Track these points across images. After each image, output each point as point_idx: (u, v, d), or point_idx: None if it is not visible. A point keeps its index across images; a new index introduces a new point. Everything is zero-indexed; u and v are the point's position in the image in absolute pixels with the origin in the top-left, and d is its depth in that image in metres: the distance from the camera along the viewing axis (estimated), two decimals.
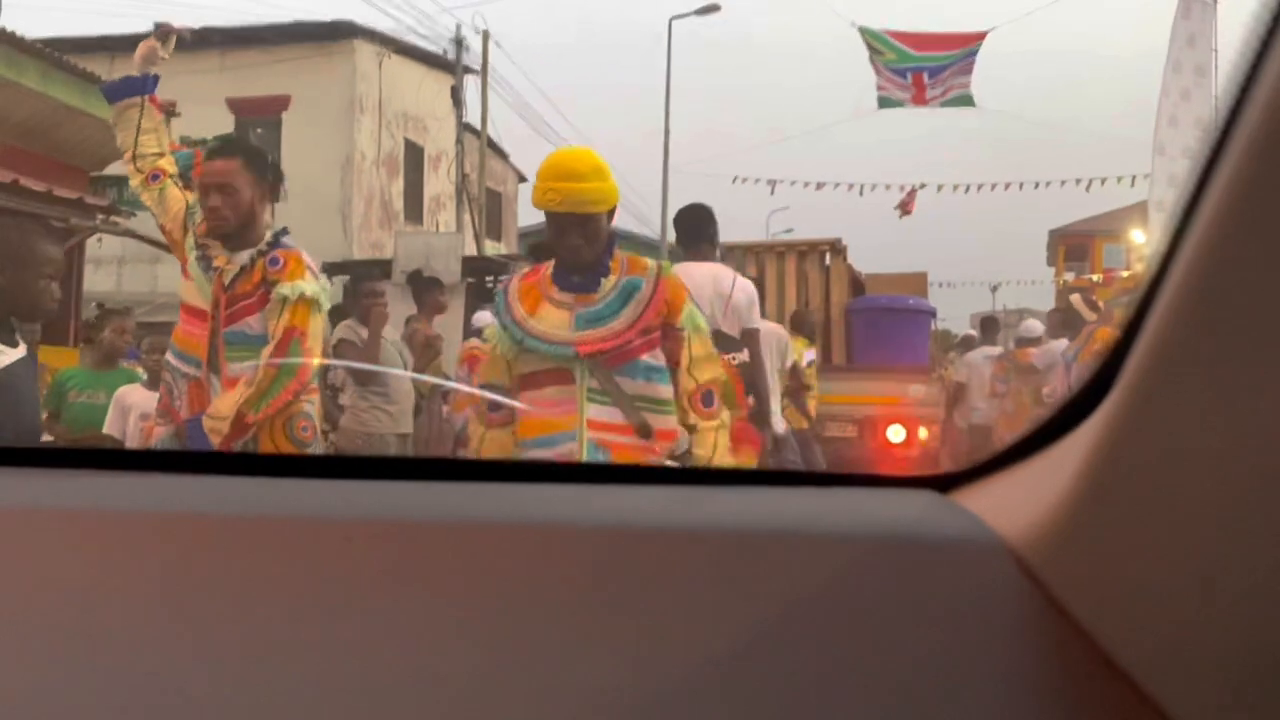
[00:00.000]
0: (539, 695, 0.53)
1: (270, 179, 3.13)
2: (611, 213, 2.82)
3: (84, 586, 0.63)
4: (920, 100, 12.55)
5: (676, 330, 2.80)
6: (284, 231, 3.12)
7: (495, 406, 2.88)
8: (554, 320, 2.76)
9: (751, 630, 0.56)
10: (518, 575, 0.62)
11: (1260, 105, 0.39)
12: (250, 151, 3.17)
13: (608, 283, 2.78)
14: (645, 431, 2.72)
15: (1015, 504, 0.61)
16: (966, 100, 12.50)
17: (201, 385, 3.01)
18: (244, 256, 3.02)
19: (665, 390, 2.80)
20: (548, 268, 2.86)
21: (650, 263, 2.85)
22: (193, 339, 3.07)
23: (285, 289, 2.93)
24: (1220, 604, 0.45)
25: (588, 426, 2.72)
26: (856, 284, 10.26)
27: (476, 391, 2.96)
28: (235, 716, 0.52)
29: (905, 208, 15.38)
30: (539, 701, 0.52)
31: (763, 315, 6.92)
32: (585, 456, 2.70)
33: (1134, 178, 14.87)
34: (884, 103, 12.66)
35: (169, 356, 3.16)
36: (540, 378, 2.79)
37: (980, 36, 12.38)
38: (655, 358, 2.80)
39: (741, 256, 10.12)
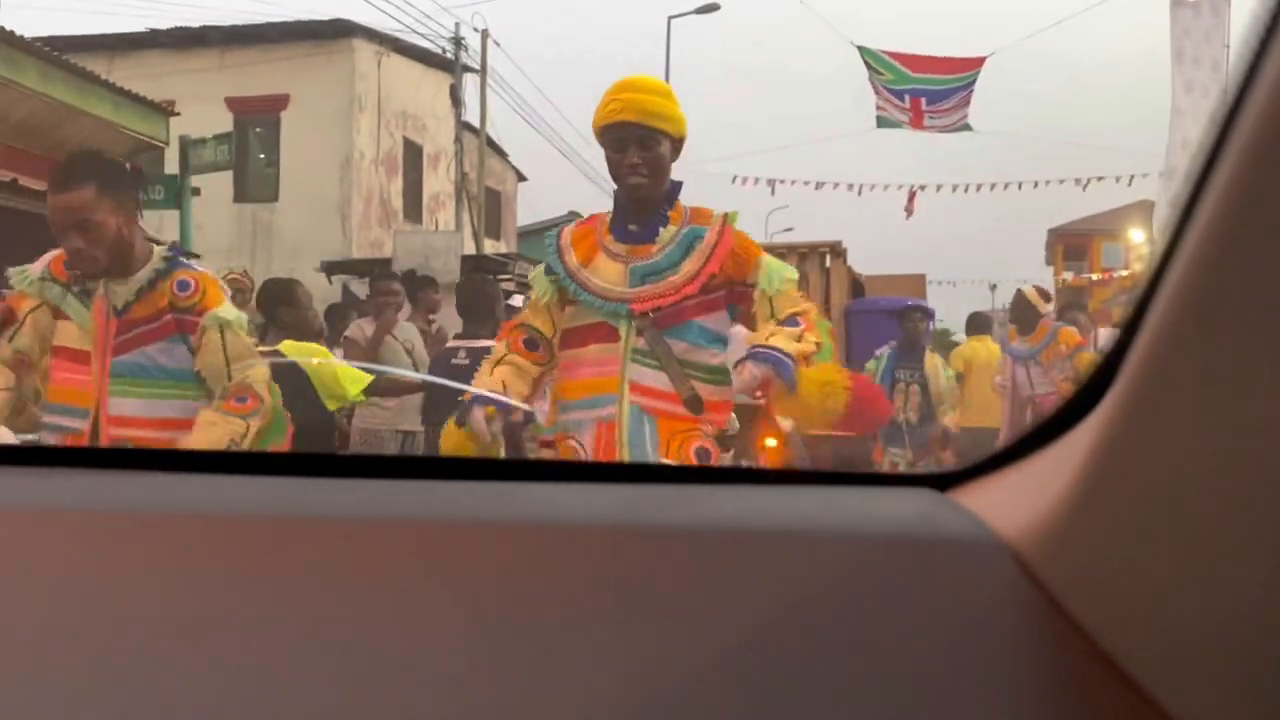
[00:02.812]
0: (539, 694, 0.53)
1: (133, 191, 2.71)
2: (676, 146, 2.58)
3: (84, 586, 0.63)
4: (918, 125, 12.74)
5: (748, 288, 2.53)
6: (178, 248, 2.78)
7: (533, 345, 2.67)
8: (608, 273, 2.55)
9: (750, 628, 0.56)
10: (518, 574, 0.62)
11: (1260, 105, 0.39)
12: (100, 169, 2.68)
13: (667, 233, 2.55)
14: (695, 403, 2.49)
15: (1014, 503, 0.61)
16: (965, 129, 12.70)
17: (85, 439, 2.58)
18: (141, 277, 2.63)
19: (723, 358, 2.55)
20: (606, 215, 2.65)
21: (715, 211, 2.60)
22: (75, 387, 2.62)
23: (221, 314, 2.61)
24: (1220, 603, 0.45)
25: (630, 390, 2.50)
26: (856, 285, 10.28)
27: (489, 395, 2.66)
28: (234, 716, 0.52)
29: (907, 209, 15.49)
30: (539, 701, 0.52)
31: None
32: (627, 422, 2.49)
33: (1131, 177, 14.94)
34: (882, 122, 12.86)
35: (43, 417, 2.67)
36: (584, 333, 2.59)
37: (979, 62, 12.49)
38: (716, 323, 2.57)
39: None
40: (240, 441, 2.55)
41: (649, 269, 2.53)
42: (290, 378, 3.65)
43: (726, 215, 2.57)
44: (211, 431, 2.56)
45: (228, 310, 2.66)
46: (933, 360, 6.59)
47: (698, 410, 2.50)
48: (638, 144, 2.50)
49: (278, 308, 4.53)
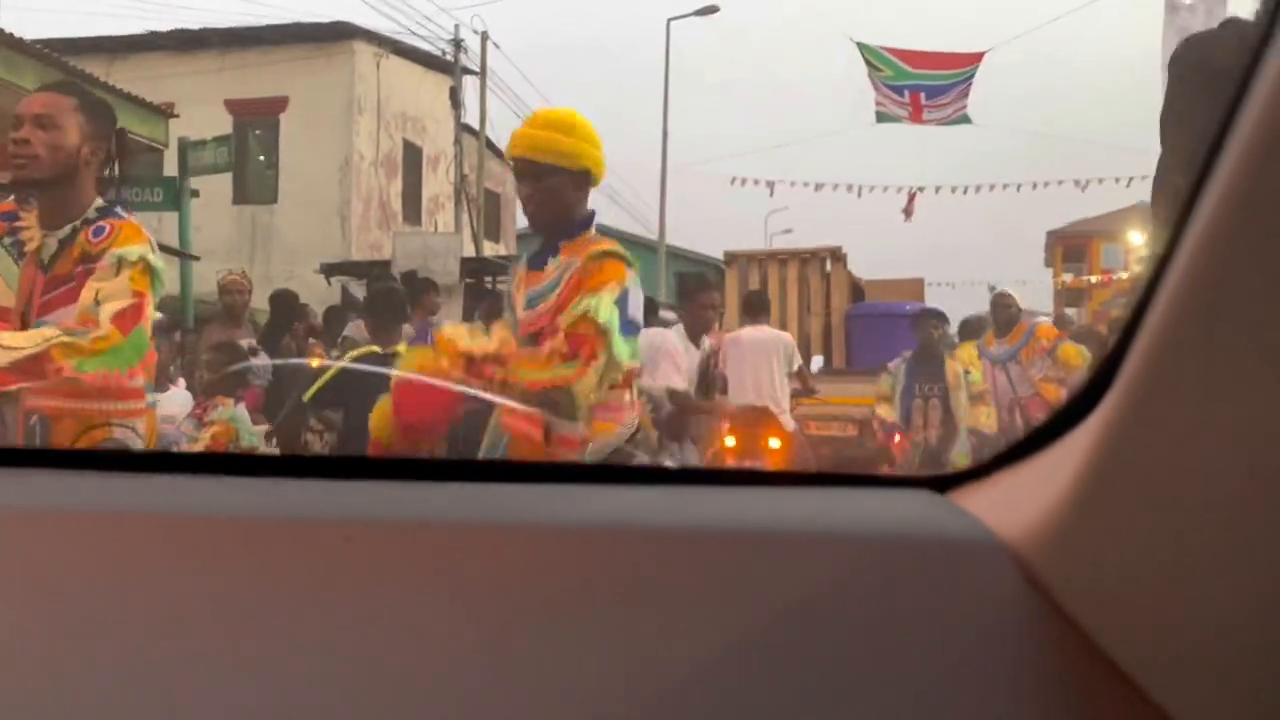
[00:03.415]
0: (539, 695, 0.53)
1: (109, 138, 2.46)
2: (581, 180, 2.61)
3: (84, 587, 0.63)
4: (917, 119, 12.82)
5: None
6: (119, 201, 2.50)
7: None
8: (520, 300, 2.68)
9: (750, 630, 0.56)
10: (518, 575, 0.62)
11: (1260, 105, 0.39)
12: (92, 100, 2.50)
13: (554, 263, 2.61)
14: (546, 428, 2.48)
15: (1014, 504, 0.61)
16: (964, 120, 12.75)
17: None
18: (65, 230, 2.35)
19: None
20: None
21: (608, 245, 2.61)
22: None
23: (124, 251, 2.30)
24: (1220, 603, 0.45)
25: (501, 414, 2.55)
26: (856, 290, 10.34)
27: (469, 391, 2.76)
28: (234, 716, 0.52)
29: (907, 211, 15.54)
30: (539, 701, 0.52)
31: (768, 321, 6.91)
32: (491, 445, 2.56)
33: (1130, 179, 14.97)
34: (881, 118, 12.93)
35: None
36: None
37: (977, 57, 12.55)
38: None
39: (745, 264, 10.17)
40: (45, 344, 2.22)
41: (533, 295, 2.64)
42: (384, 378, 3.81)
43: (598, 251, 2.54)
44: (24, 334, 2.27)
45: (131, 251, 2.33)
46: (954, 367, 6.26)
47: (547, 433, 2.49)
48: (531, 178, 2.59)
49: (411, 303, 5.03)
